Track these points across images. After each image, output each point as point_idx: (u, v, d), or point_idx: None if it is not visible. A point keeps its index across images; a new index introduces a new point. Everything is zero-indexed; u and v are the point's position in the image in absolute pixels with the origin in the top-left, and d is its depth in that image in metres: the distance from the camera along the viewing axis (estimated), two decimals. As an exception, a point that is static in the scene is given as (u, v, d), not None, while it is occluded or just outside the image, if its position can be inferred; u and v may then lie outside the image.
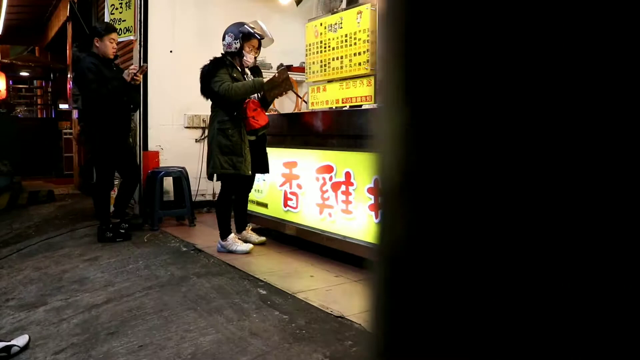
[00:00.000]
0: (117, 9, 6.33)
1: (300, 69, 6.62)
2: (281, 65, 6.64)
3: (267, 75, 4.55)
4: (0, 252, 5.03)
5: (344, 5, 4.98)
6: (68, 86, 9.60)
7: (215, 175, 4.35)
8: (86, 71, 4.79)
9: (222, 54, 4.32)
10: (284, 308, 2.98)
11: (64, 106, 12.59)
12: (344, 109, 4.50)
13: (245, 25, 4.26)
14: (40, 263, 4.45)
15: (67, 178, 10.50)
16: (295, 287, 3.36)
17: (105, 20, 6.31)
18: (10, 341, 2.72)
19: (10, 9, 10.72)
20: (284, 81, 4.18)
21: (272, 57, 6.41)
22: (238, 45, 4.23)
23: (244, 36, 4.23)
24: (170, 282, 3.57)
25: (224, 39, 4.29)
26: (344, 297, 3.17)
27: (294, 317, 2.84)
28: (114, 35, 4.96)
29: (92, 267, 4.14)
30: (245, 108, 4.21)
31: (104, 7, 6.75)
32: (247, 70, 4.40)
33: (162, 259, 4.21)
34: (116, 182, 5.47)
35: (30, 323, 3.10)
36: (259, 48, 4.38)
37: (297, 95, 5.71)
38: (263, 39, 4.31)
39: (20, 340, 2.74)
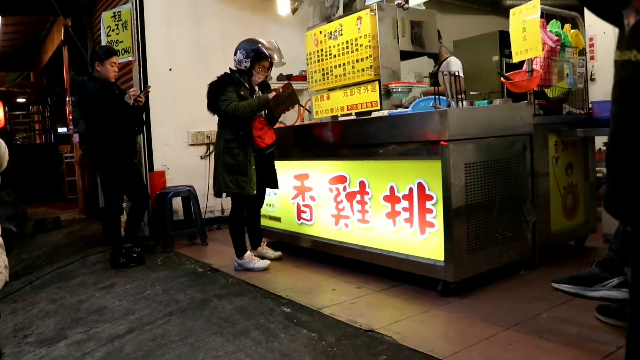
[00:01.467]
0: (113, 30, 6.30)
1: (301, 78, 6.59)
2: (281, 76, 6.63)
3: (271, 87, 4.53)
4: (12, 284, 4.97)
5: (340, 12, 4.94)
6: (67, 110, 9.57)
7: (224, 193, 4.32)
8: (89, 96, 4.77)
9: (230, 69, 4.27)
10: (311, 325, 2.94)
11: (62, 130, 12.56)
12: (350, 116, 4.46)
13: (259, 45, 4.18)
14: (54, 294, 4.39)
15: (70, 203, 10.45)
16: (319, 302, 3.32)
17: (102, 43, 6.29)
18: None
19: (4, 36, 10.70)
20: (289, 95, 4.13)
21: None
22: (248, 65, 4.18)
23: (256, 56, 4.17)
24: (191, 306, 3.53)
25: (235, 54, 4.23)
26: (370, 309, 3.12)
27: (322, 335, 2.79)
28: (115, 59, 4.93)
29: (109, 296, 4.08)
30: (252, 127, 4.17)
31: (99, 29, 6.73)
32: (256, 87, 4.35)
33: (179, 282, 4.17)
34: (124, 205, 5.44)
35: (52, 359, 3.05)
36: (269, 68, 4.34)
37: (300, 105, 5.67)
38: (275, 60, 4.24)
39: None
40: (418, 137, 3.26)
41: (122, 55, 6.15)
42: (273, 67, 4.41)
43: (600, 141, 4.55)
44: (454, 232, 3.13)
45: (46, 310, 4.01)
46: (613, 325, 2.60)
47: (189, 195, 5.66)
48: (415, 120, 3.31)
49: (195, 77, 5.73)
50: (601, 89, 5.13)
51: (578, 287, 3.09)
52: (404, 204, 3.41)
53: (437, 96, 3.44)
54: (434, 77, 4.99)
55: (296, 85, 6.58)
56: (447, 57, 5.30)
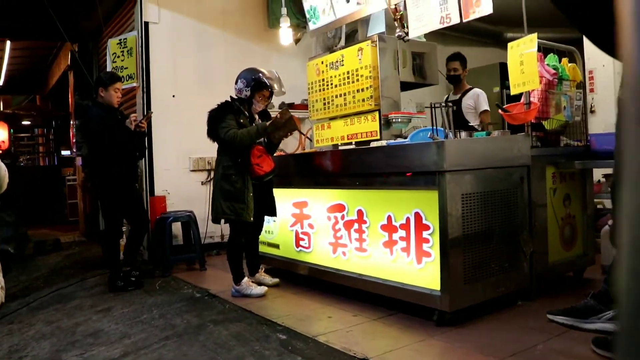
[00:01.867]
0: (119, 57, 6.42)
1: (302, 107, 6.67)
2: (283, 104, 6.71)
3: (271, 115, 4.59)
4: (9, 306, 4.96)
5: (342, 43, 5.03)
6: (71, 133, 9.66)
7: (222, 219, 4.35)
8: (92, 121, 4.84)
9: (231, 97, 4.35)
10: (306, 353, 2.94)
11: (65, 153, 12.65)
12: (350, 146, 4.51)
13: (259, 74, 4.25)
14: (51, 316, 4.38)
15: (72, 225, 10.47)
16: (314, 329, 3.32)
17: (108, 69, 6.40)
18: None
19: (12, 60, 10.87)
20: (287, 122, 4.18)
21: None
22: (248, 94, 4.25)
23: (256, 85, 4.24)
24: (187, 331, 3.53)
25: (236, 82, 4.30)
26: (366, 338, 3.12)
27: (317, 363, 2.79)
28: (118, 85, 5.00)
29: (106, 319, 4.08)
30: (250, 154, 4.21)
31: (105, 55, 6.85)
32: (255, 115, 4.42)
33: (176, 307, 4.17)
34: (124, 229, 5.47)
35: (47, 382, 3.05)
36: (269, 97, 4.41)
37: (301, 133, 5.74)
38: (275, 90, 4.32)
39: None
40: (416, 168, 3.31)
41: (127, 81, 6.25)
42: (273, 96, 4.48)
43: (598, 173, 4.59)
44: (450, 262, 3.15)
45: (42, 332, 4.01)
46: (609, 359, 2.60)
47: (189, 221, 5.69)
48: (413, 151, 3.36)
49: (198, 104, 5.79)
50: (602, 121, 5.18)
51: (573, 319, 3.09)
52: (401, 233, 3.44)
53: (434, 127, 3.50)
54: (456, 104, 4.98)
55: (298, 114, 6.71)
56: (471, 88, 5.35)
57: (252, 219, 4.21)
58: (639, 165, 0.44)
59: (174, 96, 6.36)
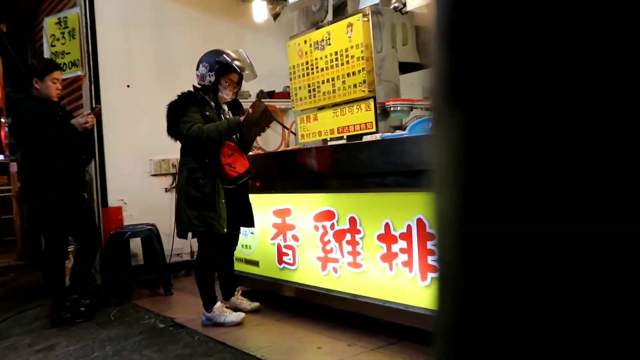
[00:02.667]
0: (58, 39, 6.40)
1: (284, 95, 6.72)
2: (261, 92, 6.77)
3: (246, 106, 4.64)
4: None
5: (329, 17, 5.10)
6: (2, 134, 9.66)
7: (189, 232, 4.41)
8: (25, 119, 4.84)
9: (194, 87, 4.41)
10: (290, 391, 3.01)
11: (-3, 158, 12.64)
12: (340, 141, 4.58)
13: (223, 55, 4.32)
14: (-20, 360, 4.41)
15: (6, 246, 10.47)
16: (300, 363, 3.39)
17: (45, 55, 6.40)
18: None
19: None
20: (262, 114, 4.24)
21: (250, 82, 6.49)
22: (213, 79, 4.31)
23: (221, 68, 4.31)
24: (148, 369, 3.59)
25: (197, 67, 4.38)
26: (362, 371, 3.19)
27: (303, 402, 2.86)
28: (57, 74, 4.99)
29: None
30: (220, 154, 4.26)
31: (41, 38, 6.83)
32: (224, 106, 4.49)
33: (134, 341, 4.23)
34: (71, 248, 5.48)
35: None
36: (239, 83, 4.48)
37: (284, 127, 5.79)
38: (244, 72, 4.39)
39: None
40: (416, 165, 3.36)
41: (69, 69, 6.25)
42: (247, 83, 4.54)
43: None
44: None
45: (-31, 379, 4.04)
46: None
47: (150, 235, 5.74)
48: (412, 145, 3.43)
49: (159, 95, 5.79)
50: None
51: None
52: (402, 244, 3.51)
53: None
54: None
55: (280, 104, 6.77)
56: None
57: (225, 230, 4.26)
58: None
59: (128, 86, 6.40)
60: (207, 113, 4.27)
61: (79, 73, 6.33)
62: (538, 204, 0.47)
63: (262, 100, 4.44)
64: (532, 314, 0.47)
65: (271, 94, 6.98)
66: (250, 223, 4.59)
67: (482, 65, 0.49)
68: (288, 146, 5.98)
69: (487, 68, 0.49)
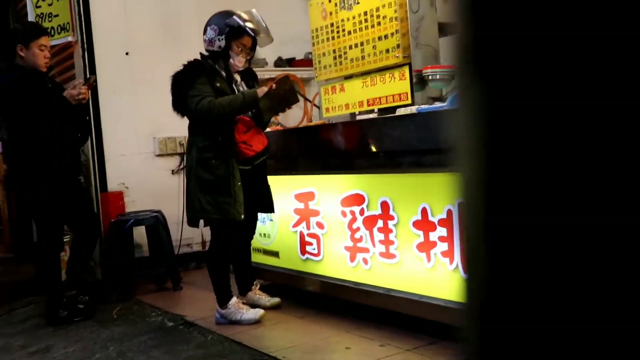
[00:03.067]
0: (44, 0, 6.38)
1: (306, 63, 6.74)
2: (280, 60, 6.78)
3: (262, 76, 4.65)
4: None
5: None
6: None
7: (201, 219, 4.50)
8: (9, 92, 4.81)
9: (201, 54, 4.46)
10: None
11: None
12: (370, 115, 4.64)
13: (234, 17, 4.31)
14: (-33, 364, 4.45)
15: (-7, 237, 10.58)
16: (327, 365, 3.46)
17: (29, 18, 6.38)
18: None
19: None
20: (286, 93, 4.27)
21: (266, 48, 6.43)
22: (223, 44, 4.32)
23: (232, 32, 4.31)
24: (156, 373, 3.68)
25: (205, 32, 4.39)
26: (396, 375, 3.26)
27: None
28: (44, 40, 4.97)
29: (44, 363, 4.21)
30: (233, 130, 4.29)
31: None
32: (236, 76, 4.53)
33: (140, 341, 4.32)
34: (66, 238, 5.55)
35: None
36: (252, 48, 4.50)
37: (306, 99, 5.79)
38: (259, 36, 4.41)
39: None
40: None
41: (58, 34, 6.24)
42: (259, 48, 4.54)
43: None
44: None
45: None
46: None
47: (156, 223, 5.82)
48: (454, 119, 3.45)
49: (162, 63, 5.74)
50: None
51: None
52: (441, 231, 3.54)
53: None
54: None
55: (301, 73, 6.75)
56: None
57: (243, 216, 4.32)
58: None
59: (127, 54, 6.42)
60: (218, 84, 4.30)
61: (70, 39, 6.31)
62: (560, 197, 0.51)
63: (286, 72, 4.40)
64: (554, 311, 0.52)
65: (291, 62, 6.98)
66: (269, 208, 4.65)
67: (508, 44, 0.53)
68: (311, 121, 5.98)
69: (514, 48, 0.53)
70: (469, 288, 0.62)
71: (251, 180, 4.44)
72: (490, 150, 0.56)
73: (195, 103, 4.18)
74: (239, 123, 4.32)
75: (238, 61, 4.42)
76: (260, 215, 4.80)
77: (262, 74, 4.88)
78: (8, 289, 6.49)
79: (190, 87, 4.23)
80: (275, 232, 4.98)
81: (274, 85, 4.25)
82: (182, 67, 4.35)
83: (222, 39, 4.30)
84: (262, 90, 4.27)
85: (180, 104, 4.34)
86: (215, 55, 4.40)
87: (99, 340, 4.46)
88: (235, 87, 4.46)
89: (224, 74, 4.41)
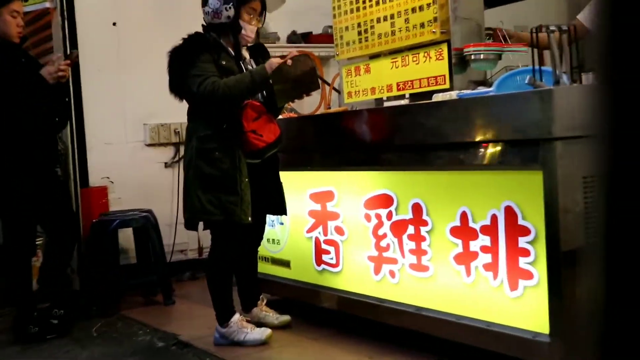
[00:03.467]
0: None
1: (325, 38, 6.71)
2: (294, 35, 6.74)
3: (272, 54, 4.62)
4: None
5: None
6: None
7: (200, 222, 4.48)
8: None
9: (203, 26, 4.42)
10: None
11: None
12: (401, 101, 4.60)
13: None
14: None
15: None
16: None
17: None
18: None
19: None
20: (305, 76, 4.23)
21: (278, 21, 6.46)
22: (232, 13, 4.27)
23: None
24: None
25: (206, 3, 4.32)
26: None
27: None
28: (16, 5, 4.96)
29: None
30: (241, 117, 4.26)
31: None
32: (245, 52, 4.51)
33: (126, 364, 4.31)
34: (39, 241, 5.54)
35: None
36: (261, 14, 4.47)
37: (324, 82, 5.74)
38: None
39: None
40: (505, 135, 3.37)
41: (34, 0, 6.22)
42: (270, 21, 4.53)
43: None
44: (566, 287, 3.19)
45: None
46: None
47: (146, 225, 5.81)
48: (500, 107, 3.43)
49: (156, 36, 5.76)
50: None
51: None
52: (484, 240, 3.51)
53: (538, 67, 3.53)
54: None
55: (319, 51, 6.71)
56: None
57: (250, 218, 4.28)
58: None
59: (114, 24, 6.40)
60: (224, 62, 4.27)
61: (47, 5, 6.29)
62: None
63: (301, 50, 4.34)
64: None
65: (307, 37, 6.94)
66: (281, 210, 4.60)
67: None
68: (330, 108, 5.95)
69: None
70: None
71: (260, 176, 4.41)
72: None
73: (197, 84, 4.13)
74: (248, 108, 4.28)
75: (250, 31, 4.40)
76: (269, 218, 4.77)
77: (272, 51, 4.81)
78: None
79: (191, 65, 4.19)
80: (286, 238, 4.96)
81: (289, 61, 4.18)
82: (181, 42, 4.32)
83: (230, 7, 4.25)
84: (272, 64, 4.17)
85: (178, 85, 4.32)
86: (221, 28, 4.35)
87: (76, 363, 4.45)
88: (243, 66, 4.43)
89: (230, 50, 4.38)
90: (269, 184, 4.53)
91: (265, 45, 4.88)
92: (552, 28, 3.58)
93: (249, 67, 4.46)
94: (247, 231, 4.46)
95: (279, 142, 4.42)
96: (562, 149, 3.20)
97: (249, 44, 4.50)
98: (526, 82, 3.50)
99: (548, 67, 3.59)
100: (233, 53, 4.40)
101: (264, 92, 4.37)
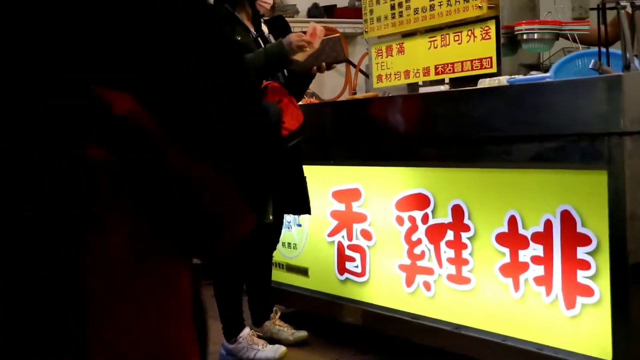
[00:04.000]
0: None
1: (351, 12, 6.68)
2: (316, 9, 6.72)
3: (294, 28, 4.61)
4: None
5: None
6: None
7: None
8: None
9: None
10: None
11: None
12: (440, 86, 4.51)
13: None
14: None
15: None
16: None
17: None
18: None
19: None
20: (330, 48, 4.23)
21: None
22: None
23: None
24: None
25: None
26: None
27: None
28: None
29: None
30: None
31: None
32: (263, 26, 4.46)
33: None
34: None
35: None
36: None
37: (350, 63, 5.74)
38: None
39: None
40: (564, 128, 3.29)
41: None
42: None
43: None
44: (632, 306, 3.13)
45: None
46: None
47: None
48: (558, 96, 3.33)
49: None
50: None
51: None
52: (536, 249, 3.44)
53: (604, 50, 3.44)
54: None
55: (344, 27, 6.72)
56: None
57: (270, 217, 4.15)
58: None
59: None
60: (239, 37, 4.24)
61: None
62: None
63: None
64: None
65: (330, 11, 6.93)
66: (304, 208, 4.47)
67: None
68: (355, 93, 5.94)
69: None
70: None
71: (280, 169, 4.31)
72: None
73: None
74: (268, 90, 4.22)
75: (266, 3, 4.41)
76: (286, 218, 4.75)
77: (293, 25, 4.84)
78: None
79: None
80: (304, 242, 4.94)
81: (309, 34, 4.11)
82: None
83: None
84: (291, 43, 4.09)
85: None
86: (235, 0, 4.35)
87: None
88: (261, 41, 4.39)
89: (246, 23, 4.35)
90: (291, 179, 4.42)
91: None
92: (622, 3, 3.48)
93: (269, 42, 4.40)
94: (263, 233, 4.36)
95: (302, 130, 4.33)
96: (631, 146, 3.12)
97: (266, 15, 4.51)
98: (590, 66, 3.45)
99: (617, 50, 3.48)
100: (250, 27, 4.37)
101: (285, 73, 4.35)
